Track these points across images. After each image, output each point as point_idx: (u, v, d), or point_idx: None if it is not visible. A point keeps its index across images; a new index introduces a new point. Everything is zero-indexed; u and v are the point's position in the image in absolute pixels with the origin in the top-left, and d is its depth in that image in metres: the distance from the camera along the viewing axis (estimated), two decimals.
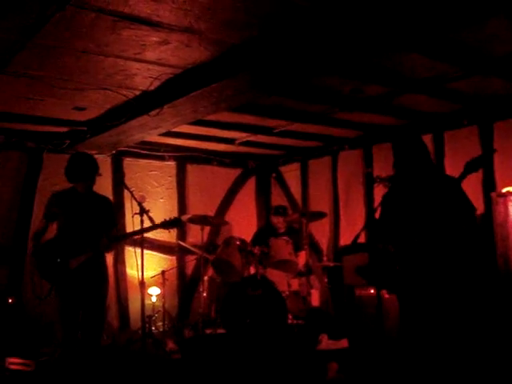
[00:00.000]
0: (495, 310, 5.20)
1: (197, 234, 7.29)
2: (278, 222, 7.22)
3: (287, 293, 6.66)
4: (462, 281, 3.59)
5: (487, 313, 5.06)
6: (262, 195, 9.15)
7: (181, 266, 8.12)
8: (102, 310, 4.67)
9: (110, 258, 7.08)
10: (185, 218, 7.32)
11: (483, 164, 3.60)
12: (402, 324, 3.81)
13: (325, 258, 7.73)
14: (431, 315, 3.58)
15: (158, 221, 4.66)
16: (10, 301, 6.29)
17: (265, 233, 7.33)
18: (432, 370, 3.55)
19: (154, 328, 7.00)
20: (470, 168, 3.51)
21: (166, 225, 4.64)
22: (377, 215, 3.94)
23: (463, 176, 3.51)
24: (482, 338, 3.88)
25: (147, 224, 4.69)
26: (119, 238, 4.76)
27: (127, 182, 4.80)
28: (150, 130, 6.08)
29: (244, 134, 7.31)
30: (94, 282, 4.52)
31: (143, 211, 4.66)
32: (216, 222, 7.92)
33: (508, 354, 4.46)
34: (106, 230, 4.59)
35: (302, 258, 6.89)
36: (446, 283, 3.55)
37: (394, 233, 3.79)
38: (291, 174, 8.92)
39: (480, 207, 6.06)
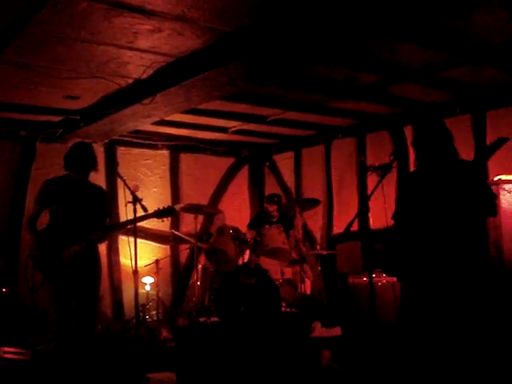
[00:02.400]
0: (490, 298, 5.24)
1: (190, 223, 7.31)
2: (273, 210, 7.22)
3: (281, 281, 6.69)
4: (470, 273, 3.58)
5: (486, 302, 5.09)
6: (256, 184, 9.15)
7: (174, 255, 8.12)
8: (95, 300, 4.66)
9: (103, 248, 7.08)
10: (178, 207, 7.31)
11: (495, 152, 3.59)
12: (403, 312, 3.81)
13: (318, 247, 7.75)
14: (436, 305, 3.58)
15: (151, 210, 4.65)
16: (5, 290, 6.28)
17: (260, 218, 7.33)
18: (430, 360, 3.56)
19: (148, 317, 7.02)
20: (493, 147, 3.51)
21: (159, 214, 4.64)
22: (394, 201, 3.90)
23: (490, 153, 3.51)
24: (480, 327, 3.89)
25: (140, 213, 4.69)
26: (112, 228, 4.74)
27: (120, 171, 4.79)
28: (142, 118, 6.07)
29: (237, 123, 7.30)
30: (87, 272, 4.50)
31: (136, 200, 4.65)
32: (209, 210, 7.94)
33: (505, 344, 4.49)
34: (99, 219, 4.57)
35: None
36: (454, 274, 3.54)
37: (410, 221, 3.77)
38: (284, 162, 8.93)
39: None
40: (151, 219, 4.74)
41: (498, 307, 4.91)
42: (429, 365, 3.55)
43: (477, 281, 3.60)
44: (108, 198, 4.74)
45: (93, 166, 4.61)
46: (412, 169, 4.05)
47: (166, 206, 4.69)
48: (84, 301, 4.49)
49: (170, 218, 7.74)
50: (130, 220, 4.61)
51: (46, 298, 4.46)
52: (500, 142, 3.56)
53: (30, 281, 4.43)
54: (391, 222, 3.94)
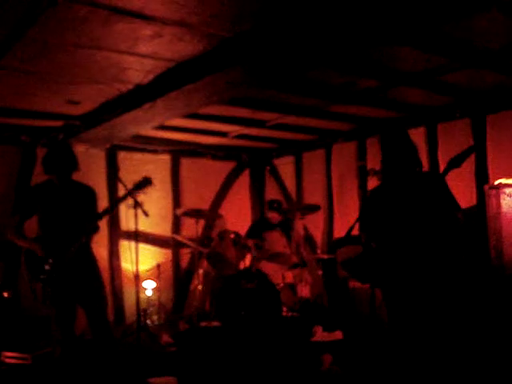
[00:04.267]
0: (488, 302, 5.24)
1: (191, 228, 7.32)
2: (272, 216, 7.23)
3: (281, 285, 6.69)
4: (445, 276, 3.62)
5: (480, 305, 5.10)
6: (256, 188, 9.16)
7: (175, 260, 8.13)
8: (103, 301, 4.63)
9: (104, 252, 7.15)
10: (179, 211, 7.34)
11: (465, 160, 3.63)
12: (389, 318, 3.86)
13: (319, 251, 7.76)
14: (415, 310, 3.62)
15: (152, 216, 4.66)
16: (6, 295, 6.29)
17: (259, 226, 7.35)
18: (425, 365, 3.58)
19: (149, 321, 7.02)
20: (452, 164, 3.56)
21: (137, 187, 4.64)
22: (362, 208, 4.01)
23: (445, 172, 3.56)
24: (474, 330, 3.91)
25: (141, 218, 4.69)
26: (100, 215, 4.52)
27: (121, 175, 4.78)
28: (143, 123, 6.08)
29: (237, 128, 7.31)
30: (85, 275, 4.47)
31: (137, 205, 4.66)
32: (210, 215, 7.95)
33: (501, 345, 4.50)
34: (88, 219, 4.46)
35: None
36: (427, 278, 3.58)
37: (378, 229, 3.83)
38: (285, 166, 8.94)
39: (473, 200, 6.10)
40: (153, 223, 4.74)
41: (498, 310, 4.93)
42: (424, 368, 3.57)
43: (452, 284, 3.65)
44: (96, 198, 4.65)
45: (73, 167, 4.53)
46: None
47: (141, 178, 4.67)
48: (90, 304, 4.49)
49: (171, 222, 7.90)
50: (115, 201, 4.54)
51: (47, 304, 4.46)
52: (468, 151, 3.61)
53: (31, 291, 4.42)
54: None
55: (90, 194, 4.67)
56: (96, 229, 4.53)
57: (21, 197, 4.58)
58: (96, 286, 4.53)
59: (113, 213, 4.52)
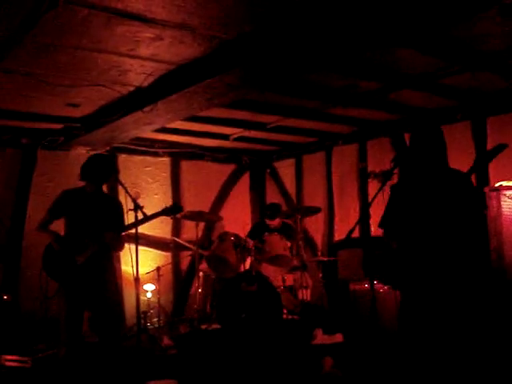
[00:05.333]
0: (490, 304, 5.23)
1: (191, 230, 7.31)
2: (270, 224, 7.23)
3: (282, 288, 6.68)
4: (465, 278, 3.58)
5: (484, 308, 5.09)
6: (257, 191, 9.16)
7: (176, 262, 8.12)
8: (113, 308, 4.65)
9: None
10: (179, 214, 7.32)
11: (496, 156, 3.57)
12: (402, 319, 3.81)
13: (319, 253, 7.75)
14: (434, 311, 3.58)
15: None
16: (5, 298, 6.28)
17: (260, 228, 7.33)
18: (430, 366, 3.56)
19: (149, 324, 7.01)
20: (484, 159, 3.48)
21: (167, 211, 4.71)
22: (384, 206, 3.91)
23: (477, 165, 3.47)
24: (479, 333, 3.89)
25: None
26: (124, 228, 4.67)
27: (121, 178, 4.78)
28: (143, 126, 6.08)
29: (238, 130, 7.31)
30: (100, 281, 4.52)
31: (138, 207, 4.66)
32: (210, 217, 7.94)
33: (505, 349, 4.49)
34: (110, 229, 4.55)
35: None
36: (449, 281, 3.54)
37: (400, 228, 3.78)
38: (285, 169, 8.94)
39: None
40: (153, 226, 4.75)
41: (500, 313, 4.91)
42: (429, 371, 3.54)
43: (471, 286, 3.61)
44: (123, 210, 4.73)
45: (107, 178, 4.69)
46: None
47: (172, 204, 4.77)
48: (100, 310, 4.51)
49: (171, 224, 7.90)
50: (142, 219, 4.60)
51: (57, 306, 4.49)
52: (500, 147, 3.54)
53: (44, 289, 4.46)
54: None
55: (117, 206, 4.75)
56: (116, 241, 4.58)
57: (54, 199, 4.67)
58: (108, 295, 4.57)
59: (134, 228, 4.59)
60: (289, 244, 6.76)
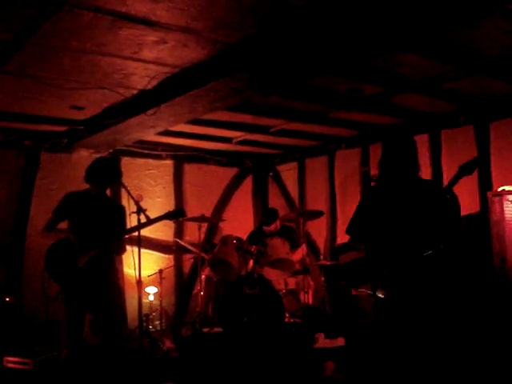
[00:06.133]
0: (491, 308, 5.22)
1: (194, 233, 7.33)
2: (266, 230, 7.23)
3: (284, 291, 6.68)
4: (439, 285, 3.59)
5: (483, 311, 5.08)
6: (259, 194, 9.16)
7: (178, 265, 8.13)
8: (116, 311, 4.66)
9: None
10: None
11: (478, 166, 3.57)
12: (378, 324, 3.83)
13: (321, 257, 7.75)
14: (405, 316, 3.59)
15: None
16: (8, 299, 6.29)
17: (257, 235, 7.32)
18: (426, 371, 3.56)
19: (151, 327, 7.01)
20: (464, 171, 3.50)
21: (170, 215, 4.73)
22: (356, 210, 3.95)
23: (457, 178, 3.50)
24: (477, 336, 3.89)
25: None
26: (127, 231, 4.69)
27: (124, 180, 4.79)
28: (147, 128, 6.09)
29: (241, 133, 7.32)
30: (102, 283, 4.52)
31: (140, 210, 4.67)
32: (213, 220, 7.95)
33: (506, 353, 4.48)
34: (112, 233, 4.58)
35: (297, 255, 6.92)
36: (421, 286, 3.55)
37: (372, 233, 3.81)
38: (288, 173, 8.94)
39: (476, 206, 6.09)
40: (156, 229, 4.76)
41: (501, 317, 4.91)
42: (429, 372, 3.55)
43: (438, 291, 3.61)
44: (126, 216, 4.75)
45: (111, 181, 4.73)
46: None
47: (175, 208, 4.80)
48: (102, 312, 4.52)
49: (174, 227, 7.91)
50: (145, 222, 4.62)
51: (59, 308, 4.50)
52: (475, 161, 3.53)
53: (46, 290, 4.47)
54: None
55: (120, 211, 4.76)
56: (120, 246, 4.59)
57: (59, 200, 4.70)
58: (110, 297, 4.58)
59: (137, 232, 4.60)
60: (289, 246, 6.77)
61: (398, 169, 3.71)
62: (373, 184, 4.09)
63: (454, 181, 3.48)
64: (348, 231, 3.93)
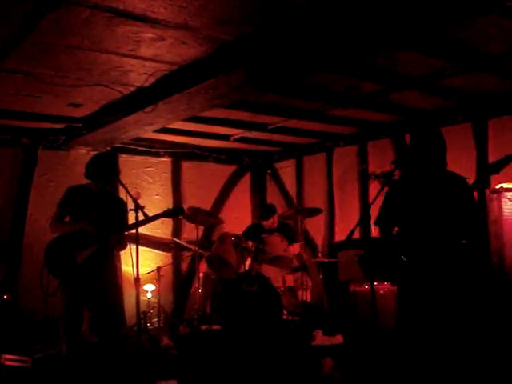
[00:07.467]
0: (490, 306, 5.22)
1: (192, 231, 7.32)
2: (265, 224, 7.21)
3: (282, 289, 6.68)
4: (463, 279, 3.60)
5: (484, 310, 5.08)
6: (257, 191, 9.16)
7: (176, 263, 8.12)
8: (112, 308, 4.65)
9: None
10: (185, 206, 7.30)
11: (504, 167, 3.56)
12: (400, 317, 3.83)
13: (319, 254, 7.75)
14: (432, 310, 3.60)
15: None
16: (6, 297, 6.28)
17: (255, 229, 7.31)
18: (429, 366, 3.56)
19: (149, 324, 7.01)
20: (490, 170, 3.48)
21: (169, 213, 4.70)
22: (380, 204, 3.93)
23: (483, 177, 3.48)
24: (479, 334, 3.89)
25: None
26: (126, 228, 4.66)
27: (122, 178, 4.77)
28: (145, 126, 6.08)
29: (239, 131, 7.31)
30: (100, 281, 4.52)
31: (138, 208, 4.66)
32: (211, 218, 7.93)
33: (505, 351, 4.48)
34: (117, 227, 4.56)
35: (295, 249, 6.91)
36: (443, 280, 3.57)
37: (400, 226, 3.82)
38: (286, 170, 8.94)
39: None
40: (153, 226, 4.75)
41: (500, 314, 4.91)
42: (428, 371, 3.55)
43: (464, 286, 3.63)
44: (127, 210, 4.72)
45: (112, 177, 4.66)
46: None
47: (175, 206, 4.76)
48: (100, 309, 4.51)
49: (172, 225, 7.90)
50: (144, 220, 4.61)
51: (58, 304, 4.49)
52: (507, 159, 3.50)
53: (44, 287, 4.46)
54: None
55: (121, 205, 4.74)
56: (120, 243, 4.58)
57: (62, 195, 4.66)
58: (108, 295, 4.57)
59: (136, 229, 4.58)
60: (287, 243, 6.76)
61: (426, 161, 3.70)
62: (372, 182, 4.09)
63: (482, 178, 3.48)
64: (376, 222, 3.93)
